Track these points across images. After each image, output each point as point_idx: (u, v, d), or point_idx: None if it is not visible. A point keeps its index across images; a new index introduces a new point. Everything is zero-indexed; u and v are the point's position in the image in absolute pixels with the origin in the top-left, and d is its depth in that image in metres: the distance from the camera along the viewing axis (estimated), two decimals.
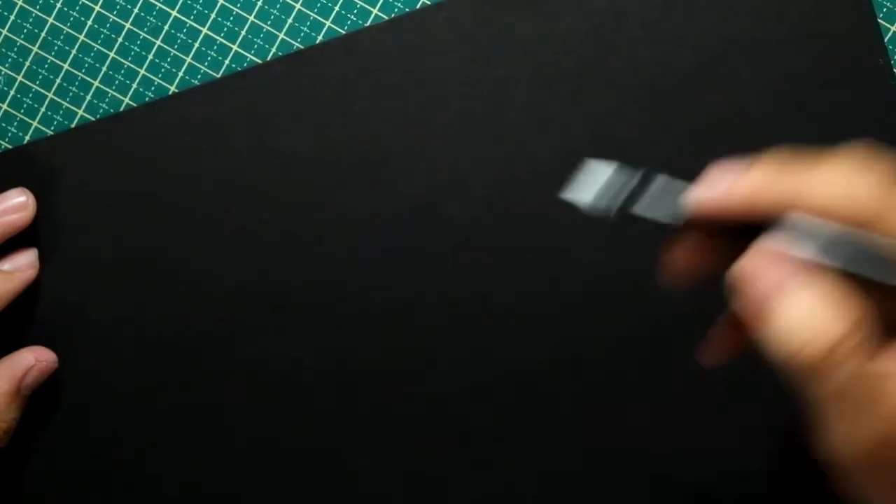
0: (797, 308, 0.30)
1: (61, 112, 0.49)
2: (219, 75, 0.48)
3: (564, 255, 0.47)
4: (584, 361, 0.47)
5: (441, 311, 0.47)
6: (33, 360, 0.47)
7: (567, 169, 0.47)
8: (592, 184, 0.32)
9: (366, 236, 0.48)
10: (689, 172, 0.47)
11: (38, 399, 0.48)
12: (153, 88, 0.49)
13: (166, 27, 0.49)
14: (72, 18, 0.49)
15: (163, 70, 0.49)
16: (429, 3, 0.48)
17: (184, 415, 0.48)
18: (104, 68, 0.49)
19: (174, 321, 0.48)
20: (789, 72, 0.47)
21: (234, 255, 0.48)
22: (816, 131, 0.47)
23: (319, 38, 0.48)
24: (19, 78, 0.49)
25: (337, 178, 0.48)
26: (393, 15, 0.48)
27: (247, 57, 0.48)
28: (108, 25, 0.49)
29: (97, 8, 0.49)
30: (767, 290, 0.31)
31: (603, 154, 0.47)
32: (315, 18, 0.48)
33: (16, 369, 0.47)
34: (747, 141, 0.47)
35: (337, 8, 0.48)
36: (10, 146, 0.49)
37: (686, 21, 0.47)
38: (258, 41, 0.48)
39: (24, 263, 0.48)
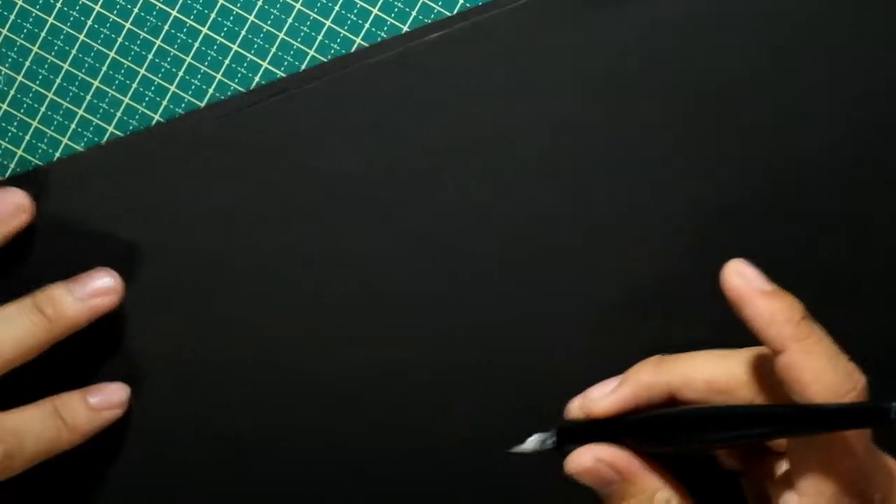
0: None
1: (61, 112, 0.49)
2: (219, 75, 0.48)
3: (613, 272, 0.47)
4: (597, 367, 0.47)
5: (495, 325, 0.47)
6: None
7: (613, 183, 0.46)
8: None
9: (413, 252, 0.47)
10: (729, 183, 0.47)
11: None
12: (153, 88, 0.49)
13: (166, 27, 0.49)
14: (72, 18, 0.49)
15: (163, 70, 0.49)
16: (442, 9, 0.48)
17: (203, 424, 0.48)
18: (104, 68, 0.49)
19: (213, 345, 0.48)
20: (835, 81, 0.46)
21: (283, 275, 0.48)
22: (863, 138, 0.46)
23: (319, 37, 0.48)
24: (19, 78, 0.49)
25: (385, 195, 0.47)
26: (392, 14, 0.48)
27: (247, 57, 0.48)
28: (108, 25, 0.49)
29: (97, 8, 0.49)
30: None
31: (646, 161, 0.47)
32: (315, 18, 0.48)
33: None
34: (792, 148, 0.47)
35: (337, 8, 0.48)
36: (10, 146, 0.49)
37: (729, 32, 0.47)
38: (258, 41, 0.48)
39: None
